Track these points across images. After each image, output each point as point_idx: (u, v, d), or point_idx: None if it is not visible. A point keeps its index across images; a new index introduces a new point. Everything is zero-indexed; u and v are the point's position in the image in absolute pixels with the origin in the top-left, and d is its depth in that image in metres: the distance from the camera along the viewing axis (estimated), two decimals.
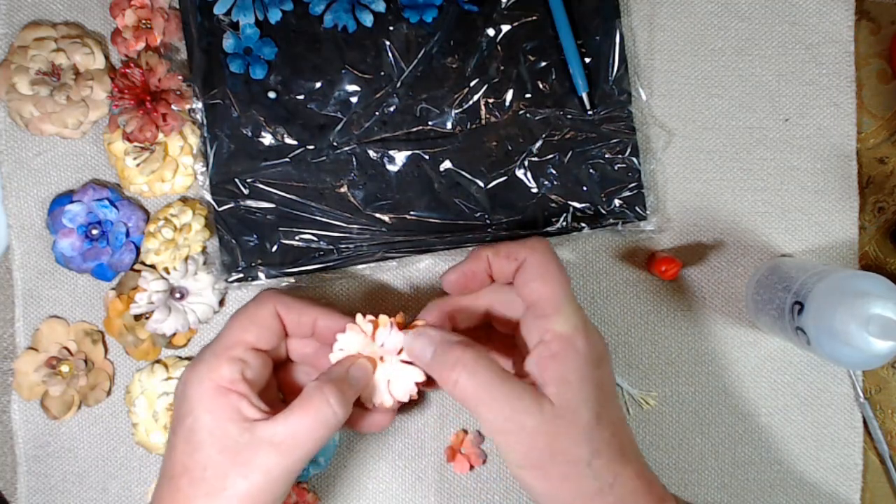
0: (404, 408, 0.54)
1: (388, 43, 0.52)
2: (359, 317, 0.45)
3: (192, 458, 0.40)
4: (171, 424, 0.43)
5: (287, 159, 0.52)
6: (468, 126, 0.52)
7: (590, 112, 0.52)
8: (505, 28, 0.52)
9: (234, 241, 0.52)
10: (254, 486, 0.40)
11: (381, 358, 0.45)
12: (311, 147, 0.52)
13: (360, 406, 0.46)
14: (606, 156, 0.52)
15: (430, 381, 0.45)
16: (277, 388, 0.47)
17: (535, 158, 0.52)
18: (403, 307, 0.54)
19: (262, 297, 0.45)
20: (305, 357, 0.47)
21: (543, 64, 0.52)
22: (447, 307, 0.46)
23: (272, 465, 0.40)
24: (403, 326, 0.45)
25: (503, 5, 0.52)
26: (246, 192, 0.52)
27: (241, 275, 0.52)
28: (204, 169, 0.52)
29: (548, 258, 0.43)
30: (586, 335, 0.41)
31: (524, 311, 0.43)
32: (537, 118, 0.52)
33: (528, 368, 0.41)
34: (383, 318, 0.45)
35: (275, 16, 0.51)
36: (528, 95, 0.52)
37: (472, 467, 0.54)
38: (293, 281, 0.52)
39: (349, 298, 0.54)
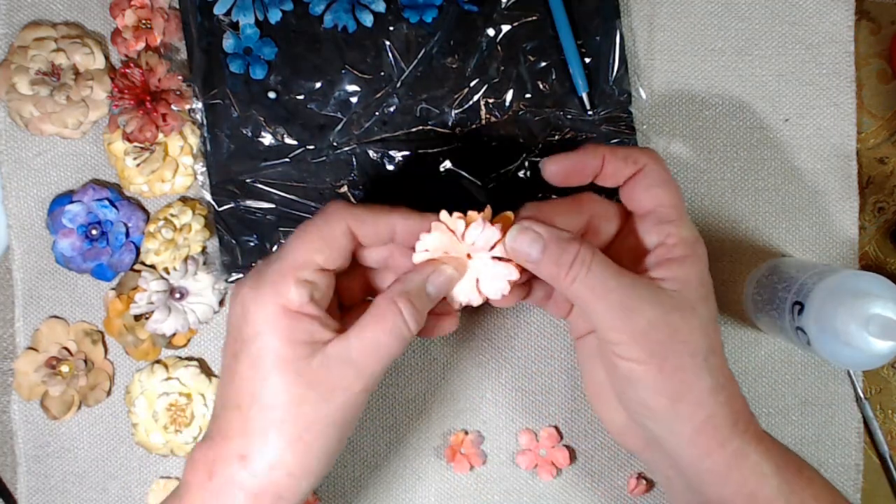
0: (405, 406, 0.54)
1: (388, 43, 0.52)
2: (444, 214, 0.41)
3: (262, 386, 0.38)
4: (230, 349, 0.40)
5: (287, 159, 0.52)
6: (468, 126, 0.52)
7: (590, 112, 0.52)
8: (505, 28, 0.52)
9: (234, 241, 0.52)
10: (334, 408, 0.38)
11: (469, 255, 0.42)
12: (311, 147, 0.52)
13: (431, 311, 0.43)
14: None
15: (524, 281, 0.43)
16: (338, 302, 0.44)
17: (535, 158, 0.52)
18: None
19: (332, 212, 0.41)
20: (380, 261, 0.44)
21: (543, 64, 0.52)
22: (542, 216, 0.42)
23: (350, 384, 0.38)
24: (492, 221, 0.42)
25: (503, 5, 0.52)
26: (246, 192, 0.52)
27: (240, 275, 0.52)
28: (204, 169, 0.52)
29: (666, 168, 0.42)
30: (703, 245, 0.41)
31: (637, 217, 0.42)
32: (537, 118, 0.52)
33: (646, 266, 0.41)
34: (472, 213, 0.41)
35: (275, 16, 0.51)
36: (528, 95, 0.52)
37: (472, 467, 0.54)
38: None
39: None
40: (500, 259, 0.42)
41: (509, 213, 0.42)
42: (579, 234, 0.42)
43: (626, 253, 0.42)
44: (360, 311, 0.40)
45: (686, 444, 0.39)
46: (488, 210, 0.42)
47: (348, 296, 0.44)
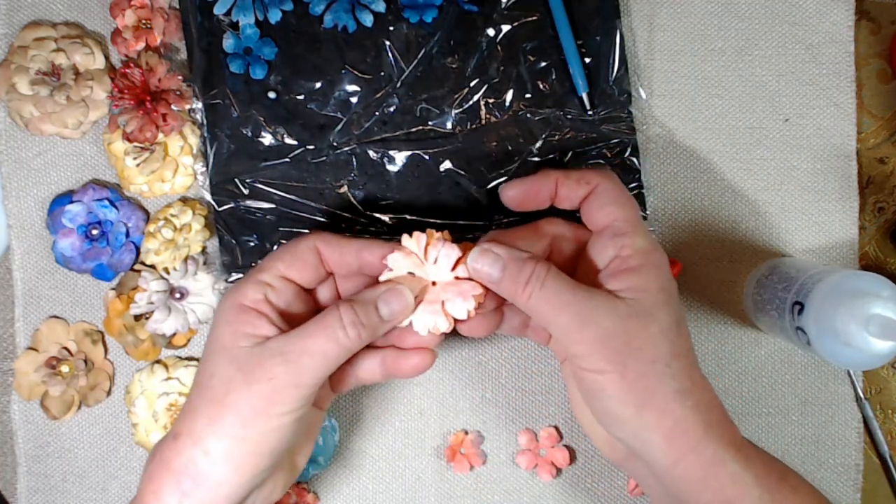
0: (405, 406, 0.54)
1: (388, 43, 0.52)
2: (405, 237, 0.43)
3: (203, 369, 0.41)
4: None
5: (287, 159, 0.52)
6: (468, 126, 0.52)
7: (590, 112, 0.52)
8: (505, 28, 0.52)
9: (234, 241, 0.52)
10: (256, 393, 0.39)
11: (434, 283, 0.43)
12: (311, 147, 0.52)
13: (396, 347, 0.44)
14: (607, 156, 0.52)
15: (494, 307, 0.44)
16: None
17: (536, 158, 0.52)
18: None
19: (305, 235, 0.44)
20: (355, 290, 0.45)
21: (543, 64, 0.52)
22: (503, 241, 0.43)
23: (277, 374, 0.39)
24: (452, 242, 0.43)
25: (503, 5, 0.52)
26: (246, 192, 0.52)
27: (241, 275, 0.52)
28: (204, 169, 0.52)
29: (620, 185, 0.43)
30: (662, 253, 0.42)
31: (594, 235, 0.43)
32: (537, 118, 0.52)
33: (602, 281, 0.41)
34: (431, 231, 0.43)
35: (275, 16, 0.51)
36: (528, 95, 0.52)
37: (472, 467, 0.54)
38: None
39: None
40: (463, 279, 0.43)
41: (469, 243, 0.44)
42: (542, 256, 0.44)
43: (591, 270, 0.43)
44: None
45: (657, 452, 0.39)
46: (447, 233, 0.44)
47: None
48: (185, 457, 0.39)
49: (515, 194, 0.45)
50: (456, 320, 0.43)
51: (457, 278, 0.43)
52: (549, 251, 0.44)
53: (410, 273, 0.43)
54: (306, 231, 0.52)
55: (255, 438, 0.39)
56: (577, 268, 0.44)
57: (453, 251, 0.43)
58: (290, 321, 0.42)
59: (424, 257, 0.43)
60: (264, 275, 0.42)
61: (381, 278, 0.43)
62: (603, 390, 0.39)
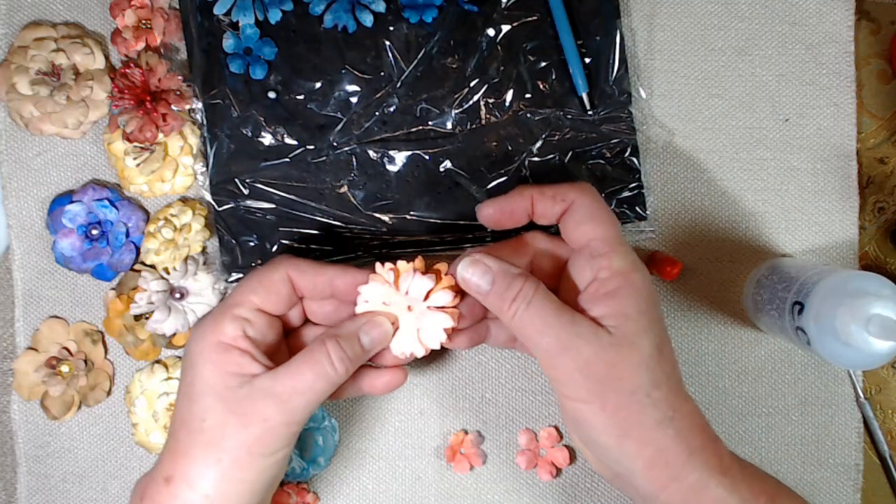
0: (405, 406, 0.54)
1: (388, 43, 0.52)
2: (378, 266, 0.44)
3: (189, 411, 0.40)
4: (178, 387, 0.43)
5: (287, 159, 0.52)
6: (468, 126, 0.52)
7: (590, 112, 0.52)
8: (505, 28, 0.52)
9: (234, 241, 0.52)
10: (252, 436, 0.40)
11: (409, 307, 0.44)
12: (311, 147, 0.52)
13: (370, 367, 0.45)
14: (607, 156, 0.52)
15: (467, 326, 0.45)
16: (289, 353, 0.46)
17: (536, 158, 0.52)
18: None
19: (275, 261, 0.44)
20: (326, 317, 0.46)
21: (543, 64, 0.52)
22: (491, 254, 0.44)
23: (270, 415, 0.40)
24: (424, 271, 0.44)
25: (503, 5, 0.52)
26: (246, 192, 0.52)
27: (240, 275, 0.52)
28: (204, 169, 0.52)
29: (598, 200, 0.43)
30: (643, 272, 0.41)
31: (573, 253, 0.43)
32: (537, 118, 0.52)
33: (582, 305, 0.41)
34: (402, 263, 0.44)
35: (275, 16, 0.51)
36: (528, 95, 0.52)
37: (472, 467, 0.54)
38: None
39: None
40: (437, 308, 0.44)
41: (442, 265, 0.44)
42: (526, 270, 0.43)
43: (572, 289, 0.43)
44: None
45: (640, 479, 0.39)
46: (419, 261, 0.44)
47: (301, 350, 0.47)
48: (182, 501, 0.40)
49: (492, 213, 0.44)
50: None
51: (430, 307, 0.44)
52: (532, 268, 0.44)
53: (384, 303, 0.44)
54: (306, 232, 0.52)
55: (251, 478, 0.40)
56: (559, 286, 0.44)
57: (424, 282, 0.43)
58: (267, 350, 0.43)
59: (397, 288, 0.44)
60: (240, 309, 0.42)
61: (358, 310, 0.44)
62: (585, 419, 0.40)
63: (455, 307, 0.44)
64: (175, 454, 0.40)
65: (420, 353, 0.44)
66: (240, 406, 0.40)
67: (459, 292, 0.44)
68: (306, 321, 0.47)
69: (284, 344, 0.46)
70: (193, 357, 0.41)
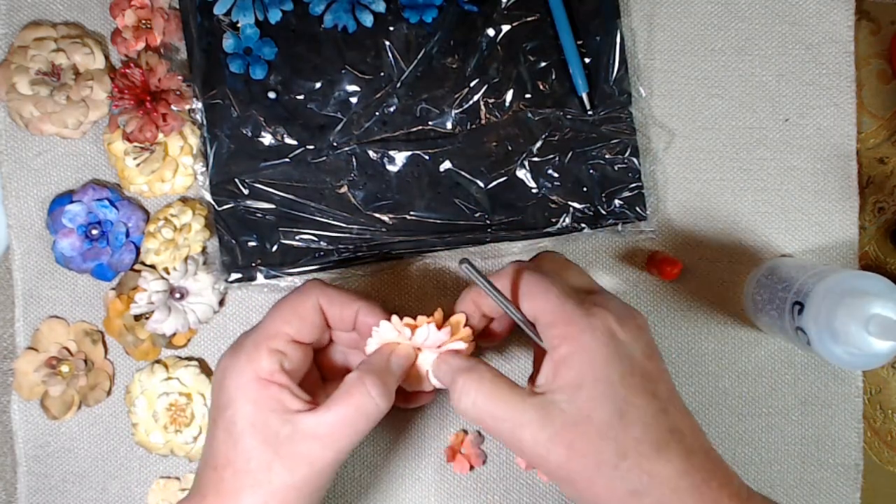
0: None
1: (388, 43, 0.52)
2: (395, 319, 0.44)
3: (234, 450, 0.40)
4: (211, 414, 0.43)
5: (287, 159, 0.52)
6: (468, 126, 0.52)
7: (590, 112, 0.52)
8: (505, 28, 0.52)
9: (234, 241, 0.52)
10: (299, 478, 0.40)
11: (421, 347, 0.45)
12: (311, 147, 0.52)
13: (401, 389, 0.46)
14: (606, 156, 0.52)
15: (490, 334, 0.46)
16: (318, 370, 0.47)
17: (536, 159, 0.52)
18: (403, 308, 0.54)
19: (307, 289, 0.45)
20: (350, 341, 0.47)
21: (543, 64, 0.52)
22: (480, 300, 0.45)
23: (316, 458, 0.40)
24: (441, 325, 0.44)
25: (503, 5, 0.52)
26: (246, 192, 0.52)
27: (240, 275, 0.52)
28: (204, 169, 0.52)
29: (531, 273, 0.42)
30: (598, 329, 0.39)
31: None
32: (537, 118, 0.52)
33: (538, 382, 0.40)
34: (421, 318, 0.44)
35: (275, 16, 0.51)
36: (528, 95, 0.52)
37: (472, 467, 0.54)
38: (295, 281, 0.52)
39: None
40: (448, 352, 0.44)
41: (459, 317, 0.45)
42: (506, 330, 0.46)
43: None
44: (338, 384, 0.42)
45: None
46: (439, 314, 0.44)
47: (329, 371, 0.48)
48: None
49: (466, 308, 0.45)
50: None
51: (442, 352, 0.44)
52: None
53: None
54: (306, 232, 0.52)
55: None
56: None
57: (440, 337, 0.44)
58: (302, 380, 0.44)
59: (410, 340, 0.44)
60: (275, 342, 0.43)
61: (369, 346, 0.44)
62: (563, 493, 0.40)
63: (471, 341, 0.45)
64: (222, 494, 0.40)
65: (428, 389, 0.46)
66: (283, 448, 0.40)
67: (473, 338, 0.45)
68: (331, 340, 0.48)
69: (315, 368, 0.47)
70: (231, 392, 0.41)
